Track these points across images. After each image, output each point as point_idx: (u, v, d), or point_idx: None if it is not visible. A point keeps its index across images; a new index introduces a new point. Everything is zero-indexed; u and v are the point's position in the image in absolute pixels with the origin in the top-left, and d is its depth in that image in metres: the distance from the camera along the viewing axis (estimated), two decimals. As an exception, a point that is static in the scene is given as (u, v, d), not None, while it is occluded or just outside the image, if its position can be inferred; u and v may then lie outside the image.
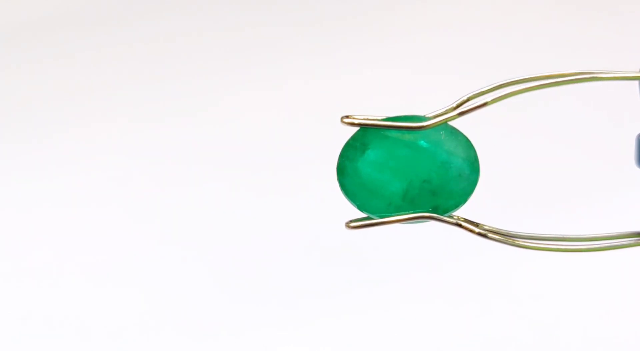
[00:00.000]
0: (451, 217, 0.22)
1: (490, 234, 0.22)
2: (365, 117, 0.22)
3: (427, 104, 0.25)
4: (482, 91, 0.22)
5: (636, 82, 0.22)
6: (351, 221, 0.22)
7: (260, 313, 0.46)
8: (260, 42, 0.67)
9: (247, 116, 0.60)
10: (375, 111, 0.23)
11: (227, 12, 0.70)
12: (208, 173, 0.55)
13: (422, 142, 0.22)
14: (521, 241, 0.22)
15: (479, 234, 0.22)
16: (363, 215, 0.22)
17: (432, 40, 0.65)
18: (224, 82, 0.63)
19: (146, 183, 0.55)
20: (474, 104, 0.21)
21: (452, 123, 0.22)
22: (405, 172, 0.22)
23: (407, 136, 0.22)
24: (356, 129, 0.22)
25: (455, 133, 0.22)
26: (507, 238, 0.22)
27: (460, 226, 0.22)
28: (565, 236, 0.22)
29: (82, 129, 0.60)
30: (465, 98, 0.22)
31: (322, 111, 0.58)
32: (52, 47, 0.67)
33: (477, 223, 0.22)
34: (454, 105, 0.22)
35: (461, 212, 0.22)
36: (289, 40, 0.67)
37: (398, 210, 0.22)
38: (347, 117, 0.22)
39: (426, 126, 0.22)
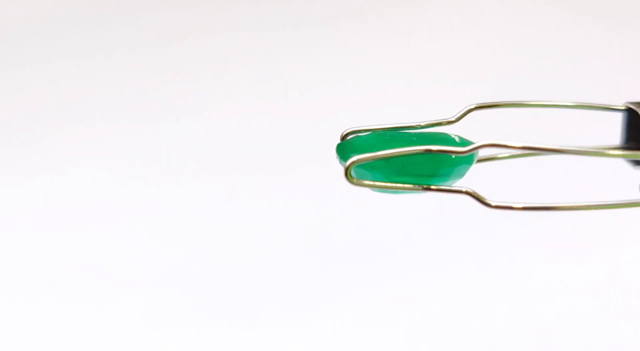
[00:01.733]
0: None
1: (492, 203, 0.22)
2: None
3: (427, 109, 0.25)
4: (484, 104, 0.22)
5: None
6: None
7: (260, 312, 0.46)
8: (259, 44, 0.67)
9: (246, 117, 0.60)
10: (373, 114, 0.23)
11: (228, 12, 0.70)
12: (207, 173, 0.55)
13: (418, 130, 0.22)
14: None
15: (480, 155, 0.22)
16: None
17: (430, 46, 0.65)
18: (224, 83, 0.63)
19: (146, 182, 0.55)
20: (462, 110, 0.22)
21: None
22: (403, 144, 0.22)
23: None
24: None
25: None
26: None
27: (464, 152, 0.21)
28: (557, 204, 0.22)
29: (80, 129, 0.60)
30: (465, 111, 0.22)
31: (320, 111, 0.58)
32: (51, 47, 0.67)
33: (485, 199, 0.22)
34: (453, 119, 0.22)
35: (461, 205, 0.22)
36: (288, 42, 0.67)
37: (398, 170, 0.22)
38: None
39: (416, 125, 0.23)
